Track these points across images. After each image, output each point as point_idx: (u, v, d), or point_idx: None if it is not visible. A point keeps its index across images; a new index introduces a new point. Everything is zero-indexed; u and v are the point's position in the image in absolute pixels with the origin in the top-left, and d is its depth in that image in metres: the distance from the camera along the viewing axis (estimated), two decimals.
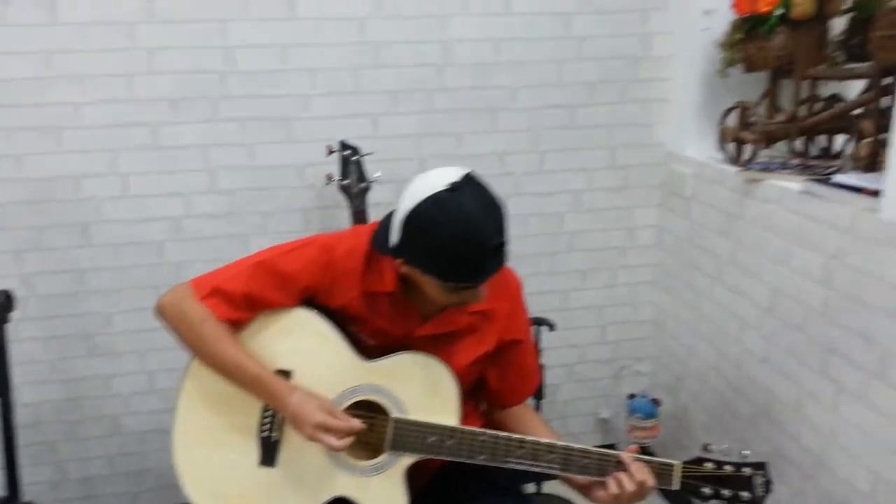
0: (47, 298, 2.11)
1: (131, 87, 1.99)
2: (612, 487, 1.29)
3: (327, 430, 1.27)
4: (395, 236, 1.26)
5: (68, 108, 1.98)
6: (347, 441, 1.29)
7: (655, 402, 2.37)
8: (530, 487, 2.43)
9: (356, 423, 1.30)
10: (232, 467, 1.38)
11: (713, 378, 2.19)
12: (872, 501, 1.58)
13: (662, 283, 2.45)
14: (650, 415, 2.35)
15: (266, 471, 1.37)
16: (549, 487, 2.47)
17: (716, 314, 2.15)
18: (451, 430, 1.33)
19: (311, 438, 1.28)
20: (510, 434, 1.33)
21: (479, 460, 1.33)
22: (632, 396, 2.41)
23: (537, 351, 1.58)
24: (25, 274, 2.07)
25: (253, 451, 1.38)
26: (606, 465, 1.30)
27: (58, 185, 2.03)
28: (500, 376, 1.49)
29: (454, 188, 1.21)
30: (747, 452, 1.32)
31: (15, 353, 2.07)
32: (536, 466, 1.32)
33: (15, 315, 2.05)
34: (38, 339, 2.13)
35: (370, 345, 1.41)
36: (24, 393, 2.15)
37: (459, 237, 1.19)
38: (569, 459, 1.31)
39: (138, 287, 2.13)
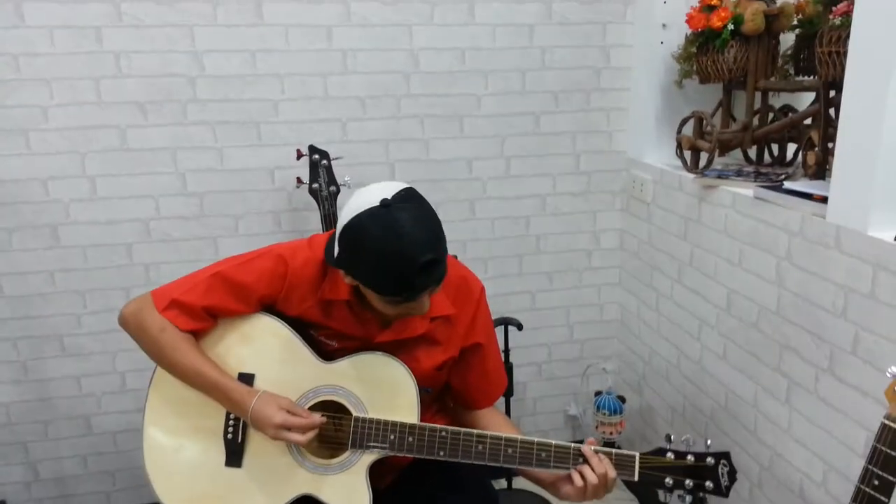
0: (17, 299, 2.12)
1: (98, 90, 2.01)
2: (577, 480, 1.32)
3: (289, 428, 1.31)
4: (335, 249, 1.28)
5: (35, 111, 1.99)
6: (310, 435, 1.33)
7: (621, 399, 2.43)
8: (501, 483, 2.48)
9: (317, 418, 1.34)
10: (200, 469, 1.40)
11: (675, 375, 2.26)
12: (824, 490, 1.65)
13: (626, 284, 2.52)
14: (616, 411, 2.41)
15: (233, 471, 1.40)
16: (520, 483, 2.53)
17: (676, 314, 2.21)
18: (411, 427, 1.36)
19: (275, 438, 1.32)
20: (470, 430, 1.36)
21: (440, 456, 1.36)
22: (598, 393, 2.47)
23: (502, 355, 1.60)
24: None
25: (220, 453, 1.41)
26: (566, 458, 1.34)
27: (26, 188, 2.04)
28: (464, 380, 1.54)
29: (388, 204, 1.21)
30: (710, 442, 1.35)
31: None
32: (497, 462, 1.36)
33: None
34: (8, 340, 2.14)
35: (332, 347, 1.45)
36: None
37: (389, 252, 1.20)
38: (528, 454, 1.35)
39: (108, 288, 2.15)
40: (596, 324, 2.58)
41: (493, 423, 1.53)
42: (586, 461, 1.33)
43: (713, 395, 2.06)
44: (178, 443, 1.41)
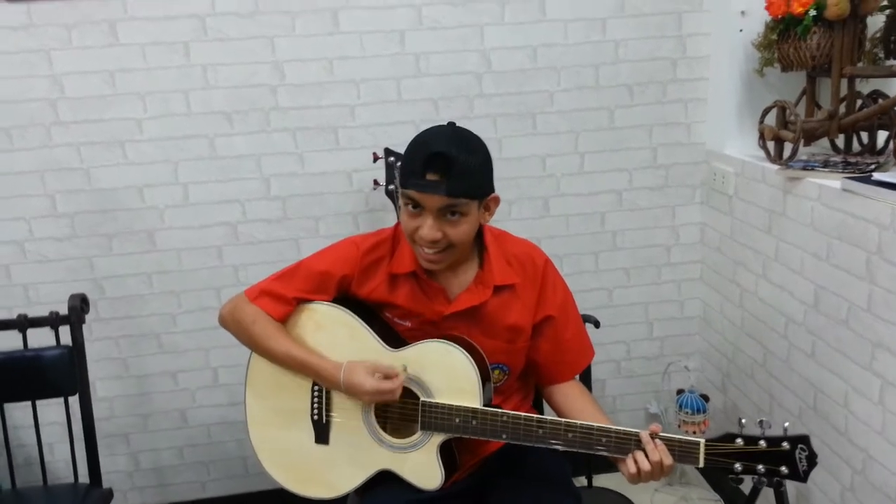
0: (118, 300, 2.26)
1: (188, 101, 2.12)
2: (630, 466, 1.33)
3: (381, 392, 1.41)
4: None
5: (130, 123, 2.12)
6: (399, 392, 1.42)
7: (704, 398, 2.38)
8: (581, 481, 2.48)
9: (401, 377, 1.42)
10: (295, 445, 1.54)
11: (760, 373, 2.19)
12: None
13: (708, 279, 2.46)
14: (699, 410, 2.36)
15: (322, 448, 1.53)
16: (601, 481, 2.51)
17: (761, 310, 2.15)
18: (474, 411, 1.41)
19: (371, 401, 1.45)
20: (531, 415, 1.39)
21: (503, 439, 1.41)
22: (680, 392, 2.43)
23: (581, 324, 1.62)
24: (97, 278, 2.23)
25: (309, 432, 1.53)
26: (626, 444, 1.34)
27: (124, 195, 2.18)
28: (538, 353, 1.56)
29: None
30: (787, 425, 1.29)
31: (90, 351, 2.24)
32: (558, 445, 1.38)
33: (89, 316, 2.22)
34: (111, 339, 2.30)
35: (405, 327, 1.52)
36: (99, 388, 2.32)
37: (416, 141, 1.37)
38: (588, 439, 1.36)
39: (200, 289, 2.27)
40: (676, 320, 2.53)
41: (574, 400, 1.54)
42: (642, 447, 1.33)
43: (801, 394, 1.99)
44: (274, 421, 1.56)
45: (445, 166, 1.31)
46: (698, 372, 2.56)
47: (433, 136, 1.36)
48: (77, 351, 1.86)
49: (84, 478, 1.90)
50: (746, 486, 1.99)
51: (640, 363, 2.56)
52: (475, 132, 1.41)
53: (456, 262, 1.49)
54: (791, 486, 1.96)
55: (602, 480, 2.52)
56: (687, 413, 2.37)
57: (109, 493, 1.89)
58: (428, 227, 1.36)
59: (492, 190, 1.43)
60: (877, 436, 1.70)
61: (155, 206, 2.20)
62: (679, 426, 2.39)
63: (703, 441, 1.32)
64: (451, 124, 1.42)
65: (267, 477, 1.58)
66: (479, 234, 1.52)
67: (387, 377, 1.42)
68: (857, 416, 1.77)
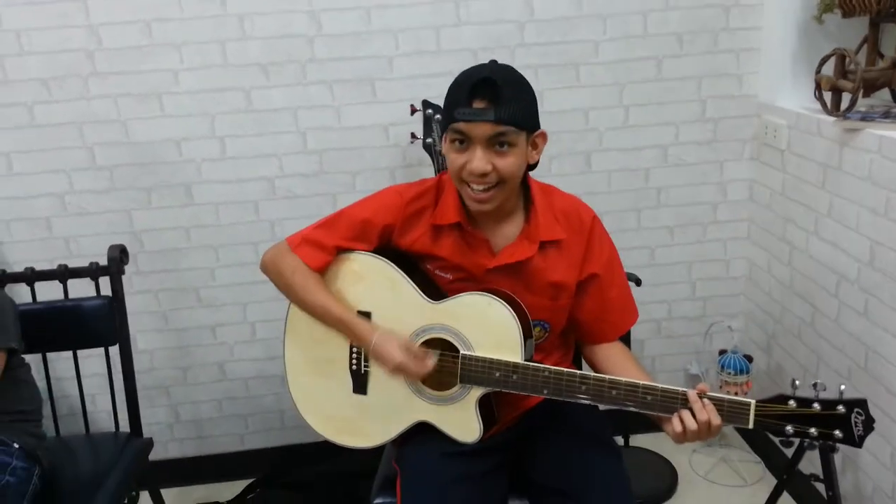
0: (157, 254, 2.27)
1: (224, 52, 2.09)
2: (676, 425, 1.29)
3: (405, 370, 1.40)
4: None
5: (167, 75, 2.10)
6: (424, 376, 1.41)
7: (748, 359, 2.32)
8: (619, 440, 2.45)
9: (430, 364, 1.40)
10: (332, 394, 1.54)
11: (808, 334, 2.12)
12: None
13: (755, 238, 2.38)
14: (742, 370, 2.30)
15: (360, 398, 1.52)
16: (638, 441, 2.49)
17: (812, 269, 2.07)
18: (514, 365, 1.38)
19: (393, 374, 1.42)
20: (574, 371, 1.36)
21: (545, 394, 1.38)
22: (723, 352, 2.37)
23: (626, 284, 1.57)
24: (136, 231, 2.24)
25: (347, 381, 1.52)
26: (673, 402, 1.30)
27: (161, 149, 2.17)
28: (581, 311, 1.52)
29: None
30: (843, 387, 1.24)
31: (130, 304, 2.24)
32: (601, 402, 1.35)
33: (129, 269, 2.23)
34: (150, 292, 2.31)
35: (446, 280, 1.49)
36: (139, 341, 2.35)
37: (459, 77, 1.34)
38: (633, 396, 1.32)
39: (238, 243, 2.27)
40: (721, 280, 2.46)
41: (615, 360, 1.50)
42: (689, 406, 1.29)
43: (851, 354, 1.92)
44: (313, 370, 1.55)
45: (493, 92, 1.28)
46: (741, 332, 2.50)
47: (476, 69, 1.35)
48: (117, 302, 1.87)
49: (125, 428, 1.92)
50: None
51: (681, 323, 2.51)
52: None
53: (502, 214, 1.45)
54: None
55: (639, 440, 2.50)
56: (729, 374, 2.32)
57: (149, 443, 1.91)
58: (478, 159, 1.32)
59: (539, 125, 1.39)
60: None
61: (192, 159, 2.19)
62: (721, 387, 2.34)
63: (753, 402, 1.27)
64: (493, 61, 1.39)
65: (304, 430, 1.57)
66: (526, 187, 1.47)
67: (417, 357, 1.40)
68: None
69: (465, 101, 1.29)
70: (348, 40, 2.10)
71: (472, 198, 1.38)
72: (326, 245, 1.49)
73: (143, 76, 2.10)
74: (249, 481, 2.41)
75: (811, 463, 1.86)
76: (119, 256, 1.89)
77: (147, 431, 2.38)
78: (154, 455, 2.40)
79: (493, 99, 1.28)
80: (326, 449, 1.58)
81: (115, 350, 1.90)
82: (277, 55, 2.10)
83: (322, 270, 1.50)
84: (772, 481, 2.32)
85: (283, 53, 2.10)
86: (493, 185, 1.36)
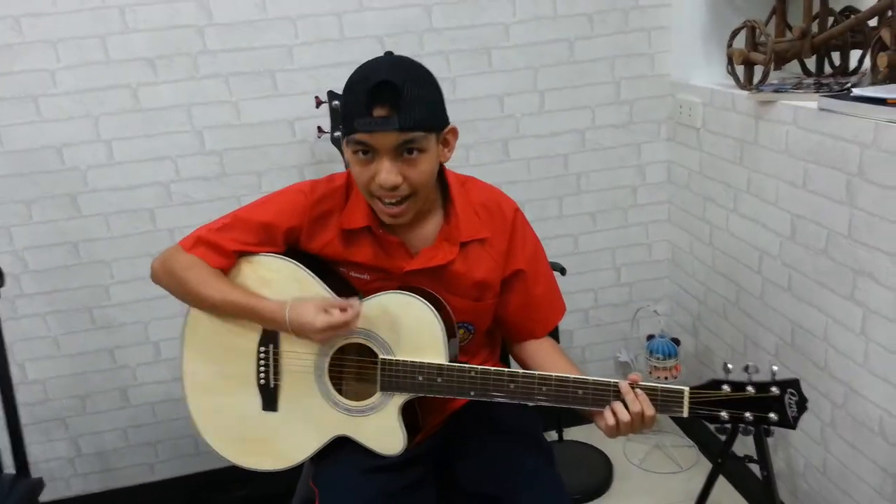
0: (42, 273, 2.06)
1: (106, 48, 1.91)
2: (608, 418, 1.22)
3: (333, 328, 1.24)
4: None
5: (43, 75, 1.90)
6: (355, 323, 1.26)
7: (675, 342, 2.30)
8: (552, 435, 2.39)
9: (356, 308, 1.25)
10: (240, 413, 1.39)
11: (733, 313, 2.11)
12: None
13: (676, 219, 2.36)
14: (670, 354, 2.27)
15: (270, 415, 1.38)
16: (572, 434, 2.43)
17: (733, 247, 2.05)
18: (439, 367, 1.28)
19: (324, 341, 1.29)
20: (502, 369, 1.27)
21: (471, 396, 1.28)
22: (650, 337, 2.34)
23: (552, 277, 1.49)
24: (17, 249, 2.02)
25: (256, 398, 1.38)
26: (605, 395, 1.23)
27: (41, 156, 1.96)
28: (507, 309, 1.43)
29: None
30: (776, 369, 1.20)
31: (16, 330, 2.06)
32: (531, 401, 1.26)
33: (11, 292, 2.03)
34: (38, 316, 2.10)
35: (364, 280, 1.37)
36: (29, 370, 2.13)
37: (353, 80, 1.21)
38: (564, 392, 1.24)
39: (133, 256, 2.08)
40: (645, 264, 2.44)
41: (544, 356, 1.42)
42: (621, 398, 1.22)
43: (777, 331, 1.91)
44: (216, 388, 1.41)
45: (393, 97, 1.16)
46: (668, 316, 2.48)
47: (371, 69, 1.20)
48: None
49: (10, 469, 1.72)
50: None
51: (608, 311, 2.47)
52: (432, 70, 1.25)
53: (417, 215, 1.33)
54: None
55: (573, 433, 2.45)
56: (658, 358, 2.29)
57: (39, 484, 1.71)
58: (385, 172, 1.20)
59: (447, 121, 1.28)
60: (859, 368, 1.63)
61: (76, 166, 1.99)
62: (650, 373, 2.31)
63: (687, 389, 1.22)
64: (388, 53, 1.27)
65: (219, 455, 1.43)
66: (444, 183, 1.37)
67: (341, 309, 1.25)
68: (837, 349, 1.69)
69: (364, 110, 1.17)
70: (243, 29, 1.95)
71: (385, 213, 1.27)
72: (225, 249, 1.34)
73: (15, 77, 1.90)
74: None
75: (744, 444, 1.83)
76: None
77: (44, 469, 2.19)
78: (53, 494, 2.22)
79: (394, 104, 1.16)
80: (246, 473, 1.44)
81: None
82: (165, 48, 1.93)
83: (223, 271, 1.36)
84: (706, 465, 2.30)
85: (172, 46, 1.93)
86: (406, 197, 1.25)
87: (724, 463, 1.85)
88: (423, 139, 1.21)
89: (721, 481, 1.96)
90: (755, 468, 1.78)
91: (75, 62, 1.91)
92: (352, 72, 1.23)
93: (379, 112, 1.16)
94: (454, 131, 1.30)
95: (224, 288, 1.32)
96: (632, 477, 2.30)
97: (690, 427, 2.45)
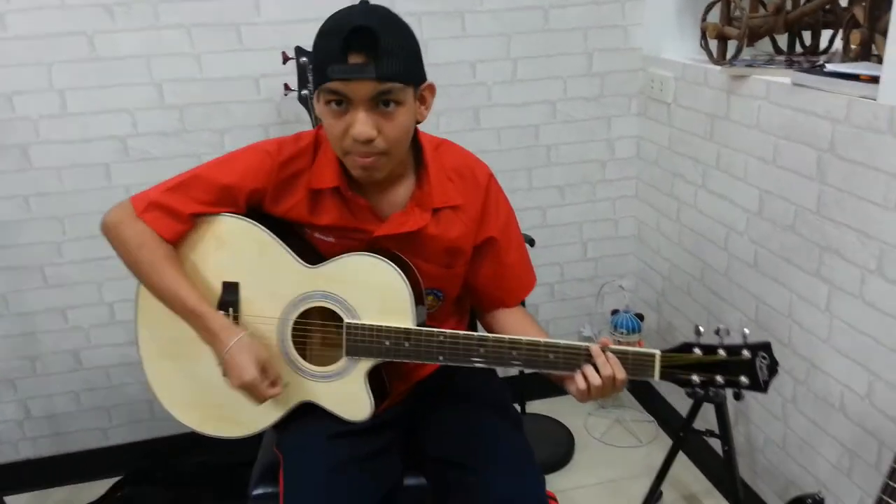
0: None
1: None
2: (580, 382, 1.19)
3: (251, 390, 1.23)
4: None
5: None
6: (265, 401, 1.26)
7: (639, 317, 2.30)
8: (515, 408, 2.38)
9: (276, 392, 1.25)
10: (198, 378, 1.33)
11: (698, 289, 2.11)
12: (869, 402, 1.53)
13: (643, 195, 2.35)
14: (634, 329, 2.28)
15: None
16: (534, 407, 2.43)
17: (700, 223, 2.06)
18: (406, 331, 1.24)
19: (236, 389, 1.24)
20: (471, 333, 1.24)
21: (440, 361, 1.25)
22: (615, 312, 2.34)
23: (524, 247, 1.46)
24: None
25: (216, 363, 1.31)
26: (576, 359, 1.21)
27: None
28: (477, 277, 1.40)
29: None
30: (747, 331, 1.19)
31: None
32: (502, 364, 1.24)
33: None
34: None
35: (329, 242, 1.32)
36: None
37: (326, 26, 1.16)
38: (535, 356, 1.22)
39: (87, 212, 2.00)
40: (611, 240, 2.43)
41: (515, 324, 1.39)
42: (592, 361, 1.20)
43: (742, 307, 1.92)
44: (173, 351, 1.34)
45: (370, 43, 1.10)
46: (632, 292, 2.48)
47: (346, 14, 1.14)
48: None
49: None
50: (679, 402, 1.92)
51: (573, 285, 2.46)
52: None
53: (389, 178, 1.28)
54: (730, 403, 1.92)
55: (535, 406, 2.45)
56: (622, 333, 2.30)
57: None
58: (360, 123, 1.14)
59: (425, 76, 1.23)
60: (822, 344, 1.65)
61: (27, 116, 1.90)
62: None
63: (658, 352, 1.20)
64: (364, 2, 1.20)
65: (175, 421, 1.37)
66: (417, 146, 1.31)
67: (272, 383, 1.24)
68: (801, 326, 1.71)
69: (339, 56, 1.10)
70: None
71: (358, 165, 1.21)
72: (181, 213, 1.27)
73: None
74: (115, 479, 2.17)
75: (703, 419, 1.85)
76: None
77: None
78: (1, 457, 2.14)
79: (371, 51, 1.10)
80: (202, 439, 1.39)
81: None
82: None
83: (175, 241, 1.28)
84: (666, 439, 2.32)
85: None
86: (380, 152, 1.19)
87: (685, 437, 1.86)
88: (401, 91, 1.16)
89: (680, 456, 1.97)
90: (715, 443, 1.79)
91: (27, 5, 1.81)
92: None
93: (355, 59, 1.11)
94: (431, 88, 1.25)
95: (177, 282, 1.26)
96: (593, 450, 2.31)
97: (651, 402, 2.47)
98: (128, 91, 1.92)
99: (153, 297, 1.30)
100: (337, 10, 1.18)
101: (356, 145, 1.17)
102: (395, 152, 1.21)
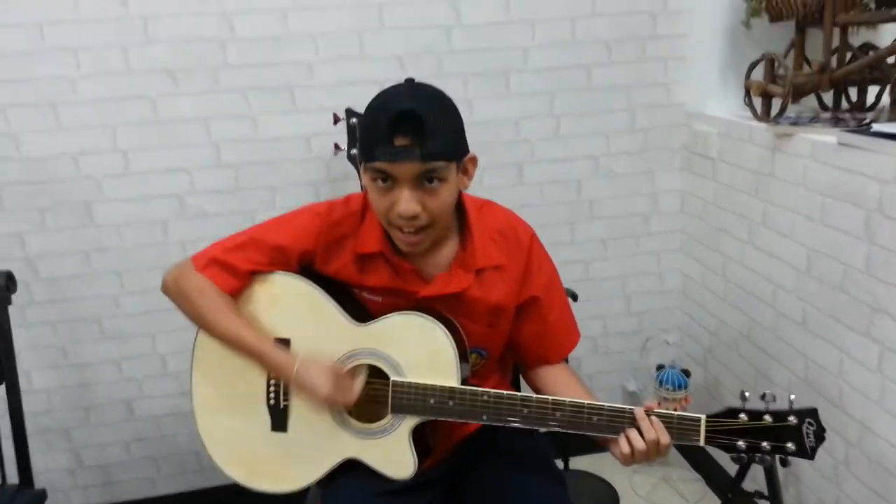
0: (53, 281, 2.05)
1: (127, 58, 1.92)
2: (623, 446, 1.20)
3: (334, 402, 1.27)
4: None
5: (63, 82, 1.91)
6: (351, 404, 1.29)
7: (685, 373, 2.27)
8: (558, 464, 2.36)
9: (358, 388, 1.29)
10: (248, 433, 1.37)
11: (745, 346, 2.09)
12: None
13: (688, 249, 2.35)
14: (680, 386, 2.25)
15: (279, 436, 1.36)
16: (577, 464, 2.40)
17: (747, 279, 2.04)
18: (451, 390, 1.26)
19: (320, 407, 1.30)
20: (514, 393, 1.25)
21: (483, 420, 1.27)
22: (660, 367, 2.32)
23: (567, 304, 1.47)
24: (29, 257, 2.02)
25: (265, 418, 1.36)
26: (620, 421, 1.21)
27: (57, 164, 1.97)
28: (520, 335, 1.41)
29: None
30: (794, 398, 1.19)
31: (24, 338, 2.05)
32: (545, 426, 1.24)
33: (21, 299, 2.02)
34: (46, 324, 2.09)
35: (377, 302, 1.36)
36: (35, 379, 2.12)
37: (374, 105, 1.20)
38: (578, 417, 1.22)
39: (144, 268, 2.07)
40: (655, 294, 2.42)
41: (558, 382, 1.40)
42: (636, 425, 1.20)
43: (790, 365, 1.89)
44: (225, 406, 1.39)
45: (416, 126, 1.14)
46: (677, 347, 2.46)
47: (393, 96, 1.19)
48: (2, 335, 1.65)
49: (14, 479, 1.69)
50: (726, 461, 1.89)
51: (617, 339, 2.45)
52: (449, 92, 1.23)
53: (432, 241, 1.32)
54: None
55: (579, 462, 2.41)
56: (668, 389, 2.26)
57: (42, 495, 1.69)
58: (405, 201, 1.19)
59: (468, 149, 1.27)
60: (874, 405, 1.61)
61: (91, 175, 1.99)
62: (659, 404, 2.29)
63: (703, 417, 1.20)
64: (410, 80, 1.25)
65: (222, 472, 1.40)
66: (461, 208, 1.35)
67: (345, 384, 1.28)
68: (852, 386, 1.67)
69: (386, 139, 1.15)
70: (264, 44, 1.96)
71: (403, 241, 1.26)
72: (238, 269, 1.33)
73: (36, 84, 1.91)
74: None
75: (754, 480, 1.81)
76: (6, 284, 1.67)
77: (45, 480, 2.16)
78: None
79: (416, 134, 1.14)
80: (248, 492, 1.42)
81: (0, 389, 1.68)
82: (186, 60, 1.94)
83: (234, 295, 1.34)
84: (713, 499, 2.27)
85: (193, 58, 1.94)
86: (425, 227, 1.24)
87: (734, 498, 1.82)
88: (444, 169, 1.20)
89: None
90: None
91: (96, 70, 1.92)
92: (370, 91, 1.23)
93: (401, 141, 1.15)
94: (474, 160, 1.30)
95: (236, 323, 1.31)
96: None
97: (698, 460, 2.41)
98: (187, 151, 2.01)
99: (210, 350, 1.36)
100: (384, 78, 1.23)
101: (401, 220, 1.22)
102: (438, 225, 1.26)
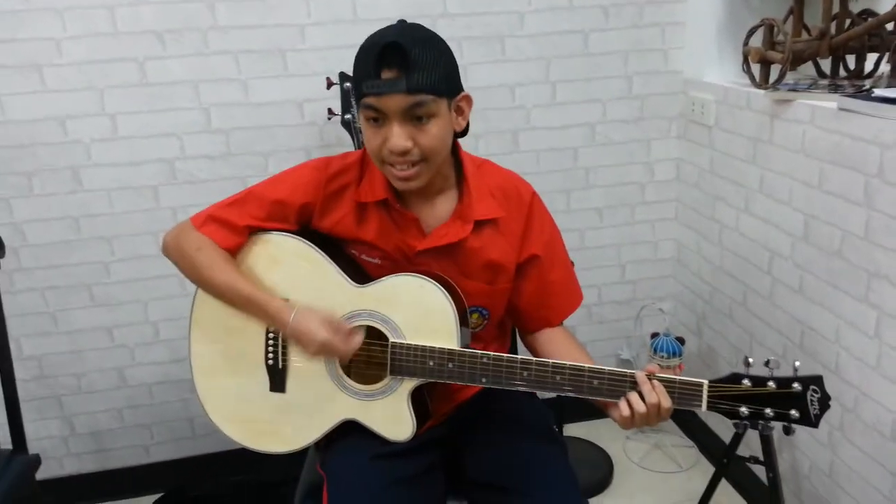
0: (41, 248, 2.02)
1: (113, 19, 1.87)
2: (623, 409, 1.19)
3: (331, 349, 1.24)
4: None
5: (48, 44, 1.86)
6: (350, 354, 1.26)
7: (679, 341, 2.28)
8: None
9: (357, 340, 1.26)
10: (246, 394, 1.37)
11: (740, 313, 2.09)
12: None
13: (683, 218, 2.34)
14: (675, 353, 2.25)
15: (278, 396, 1.36)
16: (571, 430, 2.41)
17: (743, 247, 2.03)
18: (450, 352, 1.25)
19: (315, 356, 1.27)
20: (514, 356, 1.24)
21: (482, 383, 1.26)
22: (654, 336, 2.32)
23: (569, 264, 1.47)
24: (16, 222, 1.99)
25: (263, 378, 1.36)
26: (621, 385, 1.20)
27: (43, 128, 1.92)
28: (520, 295, 1.40)
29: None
30: (798, 364, 1.17)
31: (13, 305, 2.02)
32: (545, 389, 1.24)
33: (9, 265, 1.99)
34: (35, 290, 2.06)
35: (374, 263, 1.35)
36: (25, 346, 2.10)
37: (364, 44, 1.20)
38: (578, 381, 1.21)
39: (135, 234, 2.04)
40: (650, 262, 2.42)
41: (558, 345, 1.39)
42: (637, 388, 1.19)
43: (786, 332, 1.89)
44: (223, 367, 1.38)
45: (401, 59, 1.14)
46: (671, 315, 2.46)
47: (381, 33, 1.20)
48: None
49: (6, 444, 1.68)
50: (719, 427, 1.89)
51: (611, 308, 2.45)
52: None
53: (432, 191, 1.32)
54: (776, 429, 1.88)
55: (573, 429, 2.42)
56: (662, 357, 2.27)
57: (36, 460, 1.68)
58: (395, 136, 1.18)
59: (460, 88, 1.26)
60: (871, 371, 1.61)
61: (79, 139, 1.95)
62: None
63: (706, 382, 1.18)
64: (402, 21, 1.25)
65: (217, 438, 1.40)
66: (459, 164, 1.34)
67: (348, 335, 1.25)
68: (849, 352, 1.68)
69: (373, 72, 1.16)
70: (254, 6, 1.92)
71: (397, 176, 1.25)
72: (236, 225, 1.32)
73: (19, 45, 1.85)
74: (156, 497, 2.19)
75: (748, 446, 1.82)
76: None
77: (37, 447, 2.15)
78: (46, 473, 2.18)
79: (402, 65, 1.14)
80: (242, 458, 1.41)
81: None
82: (174, 21, 1.89)
83: (232, 251, 1.33)
84: (706, 465, 2.29)
85: (181, 20, 1.89)
86: (417, 162, 1.23)
87: (729, 463, 1.83)
88: (433, 103, 1.18)
89: (722, 482, 1.93)
90: (758, 469, 1.76)
91: (82, 32, 1.87)
92: None
93: (387, 74, 1.15)
94: (468, 98, 1.28)
95: (233, 276, 1.30)
96: (632, 475, 2.28)
97: (691, 427, 2.43)
98: (176, 115, 1.97)
99: (208, 310, 1.35)
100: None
101: (393, 156, 1.21)
102: (432, 160, 1.24)
